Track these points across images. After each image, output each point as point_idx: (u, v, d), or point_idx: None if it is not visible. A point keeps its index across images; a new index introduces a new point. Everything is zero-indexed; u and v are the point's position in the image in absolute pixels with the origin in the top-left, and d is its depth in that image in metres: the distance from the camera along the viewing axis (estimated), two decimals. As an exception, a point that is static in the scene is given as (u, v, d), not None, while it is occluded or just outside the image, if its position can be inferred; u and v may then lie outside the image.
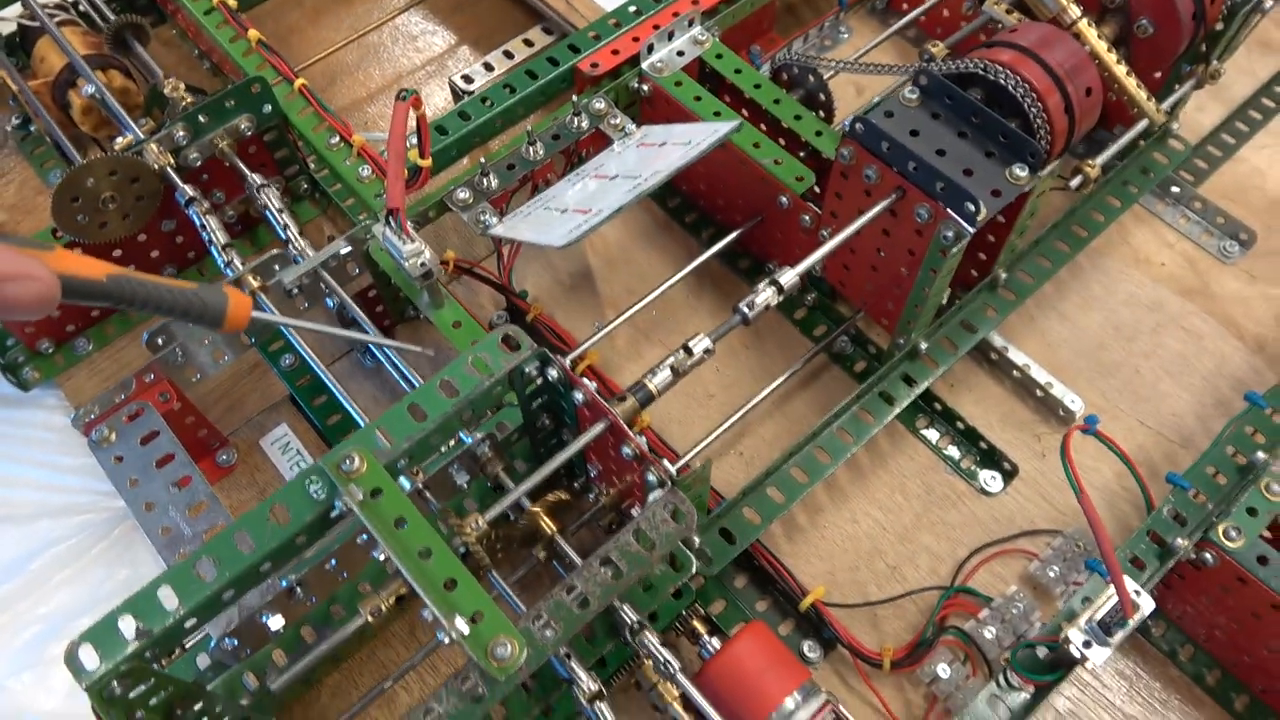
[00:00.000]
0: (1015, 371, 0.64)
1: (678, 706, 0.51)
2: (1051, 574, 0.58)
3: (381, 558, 0.44)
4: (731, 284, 0.69)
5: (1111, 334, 0.67)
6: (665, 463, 0.45)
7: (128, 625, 0.41)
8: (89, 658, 0.41)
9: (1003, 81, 0.53)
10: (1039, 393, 0.64)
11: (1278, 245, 0.70)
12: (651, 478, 0.45)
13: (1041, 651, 0.49)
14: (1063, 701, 0.56)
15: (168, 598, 0.42)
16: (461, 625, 0.40)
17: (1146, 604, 0.47)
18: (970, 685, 0.54)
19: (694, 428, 0.63)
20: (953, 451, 0.62)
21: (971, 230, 0.50)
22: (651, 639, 0.49)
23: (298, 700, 0.56)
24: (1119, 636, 0.46)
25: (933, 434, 0.63)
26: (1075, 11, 0.57)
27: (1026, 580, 0.58)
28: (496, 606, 0.41)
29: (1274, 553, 0.50)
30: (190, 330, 0.55)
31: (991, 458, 0.62)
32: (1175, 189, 0.72)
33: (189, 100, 0.63)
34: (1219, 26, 0.60)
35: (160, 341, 0.54)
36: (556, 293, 0.69)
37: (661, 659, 0.48)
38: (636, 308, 0.61)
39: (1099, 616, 0.46)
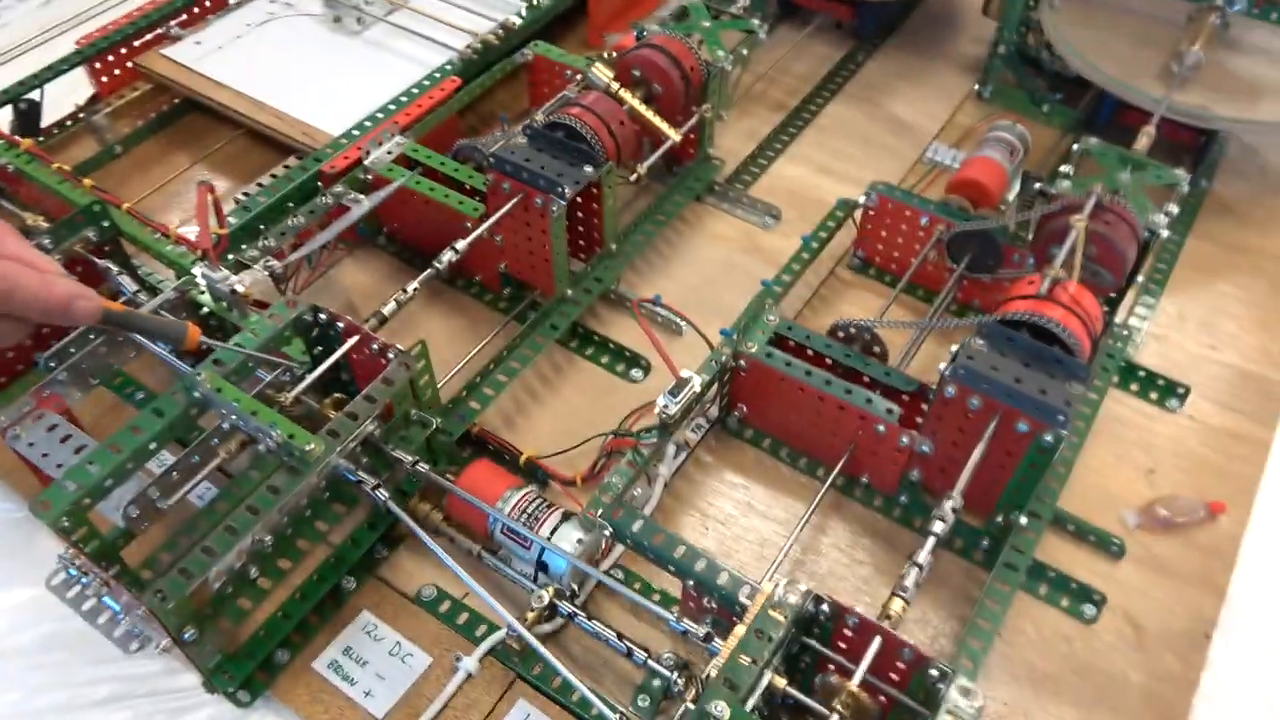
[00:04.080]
0: (643, 309, 0.99)
1: (444, 525, 0.80)
2: (676, 414, 0.91)
3: (226, 425, 0.72)
4: (453, 295, 1.01)
5: (702, 282, 1.04)
6: (398, 345, 0.76)
7: (69, 485, 0.67)
8: (48, 505, 0.66)
9: (573, 124, 0.90)
10: (659, 319, 0.99)
11: (795, 216, 1.11)
12: (390, 355, 0.75)
13: (653, 430, 0.81)
14: (698, 487, 0.87)
15: (93, 468, 0.68)
16: (283, 436, 0.68)
17: (695, 379, 0.80)
18: (632, 481, 0.85)
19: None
20: (610, 362, 0.96)
21: (563, 201, 0.86)
22: (423, 467, 0.77)
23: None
24: (681, 395, 0.78)
25: (595, 354, 0.96)
26: (614, 85, 0.96)
27: (663, 422, 0.91)
28: (302, 429, 0.69)
29: (778, 351, 0.85)
30: (73, 357, 0.81)
31: (635, 361, 0.96)
32: (730, 193, 1.11)
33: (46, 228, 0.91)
34: (706, 83, 1.01)
35: (52, 364, 0.80)
36: (332, 322, 0.99)
37: (424, 472, 0.76)
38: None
39: (669, 390, 0.79)
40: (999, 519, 0.80)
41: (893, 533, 0.84)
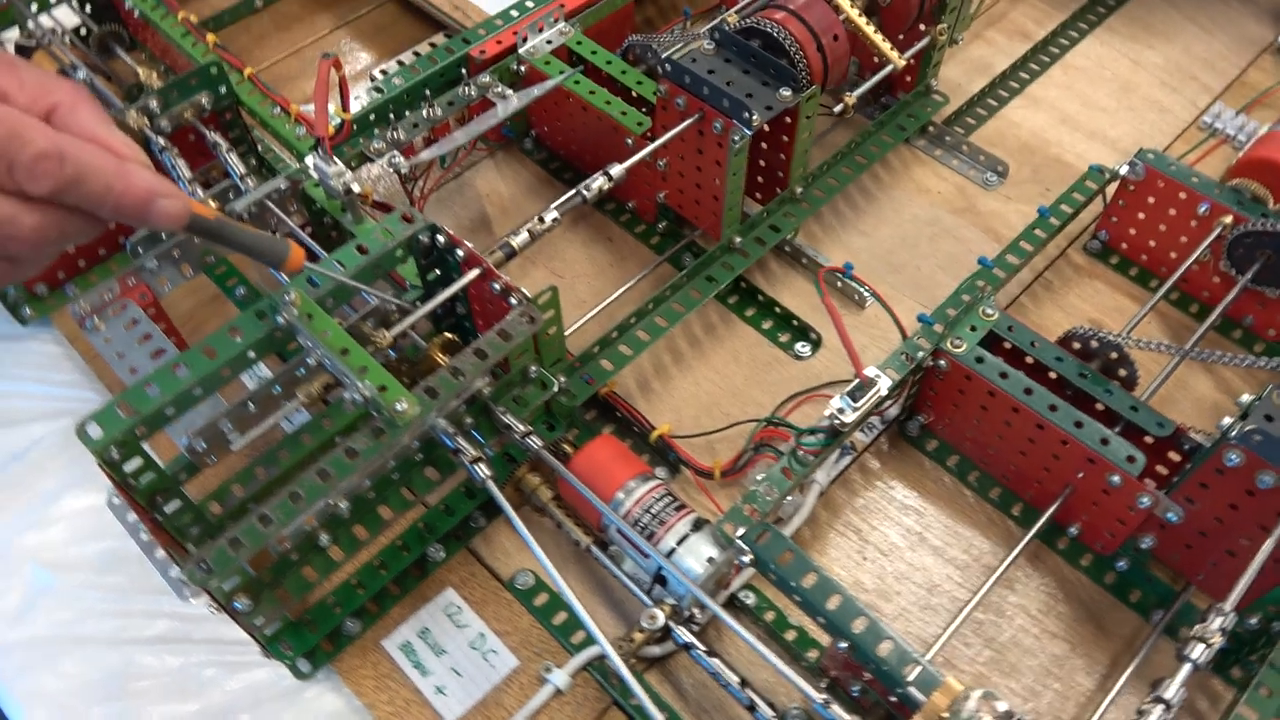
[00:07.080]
0: (828, 279, 0.82)
1: (552, 505, 0.67)
2: (846, 407, 0.74)
3: (312, 361, 0.60)
4: (599, 220, 0.87)
5: (899, 244, 0.85)
6: (522, 289, 0.61)
7: (123, 409, 0.56)
8: (95, 431, 0.55)
9: (773, 32, 0.72)
10: (839, 284, 0.81)
11: (1026, 175, 0.90)
12: (513, 300, 0.61)
13: (820, 434, 0.65)
14: (860, 502, 0.72)
15: (153, 391, 0.57)
16: (372, 389, 0.56)
17: (882, 380, 0.63)
18: (781, 484, 0.70)
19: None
20: (774, 329, 0.79)
21: (749, 131, 0.68)
22: (534, 441, 0.64)
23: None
24: (862, 400, 0.62)
25: (757, 318, 0.80)
26: (832, -13, 0.77)
27: (829, 415, 0.75)
28: (397, 381, 0.57)
29: (990, 355, 0.67)
30: (165, 244, 0.70)
31: (803, 333, 0.79)
32: (948, 138, 0.91)
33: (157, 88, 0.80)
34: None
35: (140, 250, 0.70)
36: (460, 232, 0.86)
37: (534, 447, 0.63)
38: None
39: (849, 390, 0.63)
40: (1252, 620, 0.61)
41: (1100, 605, 0.67)
